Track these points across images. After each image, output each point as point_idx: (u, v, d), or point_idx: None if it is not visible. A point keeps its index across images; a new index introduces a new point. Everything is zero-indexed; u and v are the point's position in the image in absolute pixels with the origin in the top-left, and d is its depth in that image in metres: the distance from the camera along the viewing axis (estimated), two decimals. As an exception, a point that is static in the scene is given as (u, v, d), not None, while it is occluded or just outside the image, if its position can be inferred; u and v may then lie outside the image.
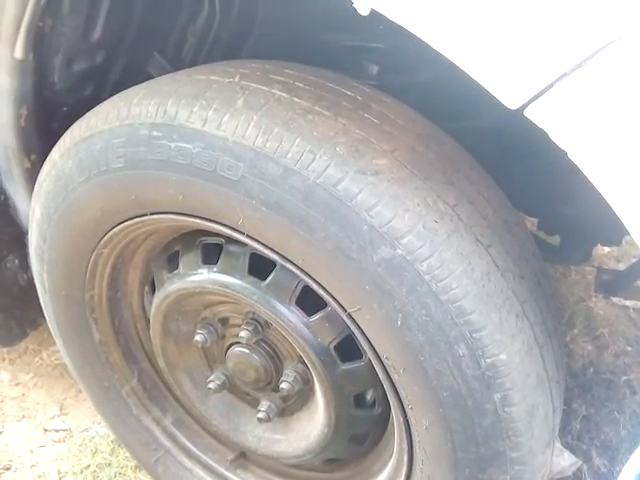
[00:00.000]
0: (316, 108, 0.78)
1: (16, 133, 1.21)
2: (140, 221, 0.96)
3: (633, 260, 1.91)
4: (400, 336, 0.73)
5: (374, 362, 0.82)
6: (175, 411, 1.30)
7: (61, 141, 0.99)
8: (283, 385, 1.02)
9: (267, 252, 0.83)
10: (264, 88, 0.81)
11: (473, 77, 0.55)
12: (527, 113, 0.53)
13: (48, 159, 1.03)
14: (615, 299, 2.01)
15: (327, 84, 0.84)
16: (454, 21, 0.56)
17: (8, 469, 1.47)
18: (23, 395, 1.76)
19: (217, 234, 0.97)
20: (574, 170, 1.16)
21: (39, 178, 1.06)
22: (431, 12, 0.56)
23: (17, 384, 1.82)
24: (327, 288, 0.79)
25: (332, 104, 0.80)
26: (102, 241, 1.02)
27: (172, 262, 1.07)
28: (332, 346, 0.92)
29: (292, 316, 0.93)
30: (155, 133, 0.81)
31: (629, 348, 1.88)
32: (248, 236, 0.82)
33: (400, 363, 0.75)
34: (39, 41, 1.12)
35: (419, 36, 0.57)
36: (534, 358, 0.76)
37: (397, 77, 1.27)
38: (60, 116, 1.28)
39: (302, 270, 0.80)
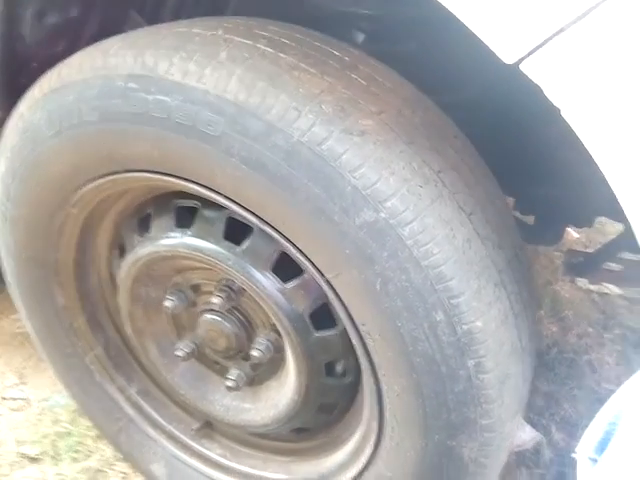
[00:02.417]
0: (302, 65, 0.76)
1: (-19, 87, 1.15)
2: (112, 179, 0.92)
3: (599, 246, 1.96)
4: (378, 302, 0.72)
5: (349, 329, 0.82)
6: (140, 380, 1.28)
7: (30, 92, 0.95)
8: (254, 353, 1.01)
9: (245, 214, 0.81)
10: (248, 42, 0.78)
11: (472, 29, 0.54)
12: (523, 67, 0.52)
13: (15, 111, 0.98)
14: (580, 283, 2.07)
15: (314, 42, 0.82)
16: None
17: (-38, 437, 1.42)
18: (-20, 363, 1.71)
19: (192, 197, 0.95)
20: (551, 148, 1.18)
21: (5, 132, 1.01)
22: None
23: (-25, 351, 1.76)
24: (306, 253, 0.78)
25: (318, 62, 0.78)
26: (71, 200, 0.98)
27: (144, 225, 1.04)
28: (306, 314, 0.91)
29: (267, 282, 0.91)
30: (132, 85, 0.78)
31: (591, 329, 1.94)
32: (226, 197, 0.80)
33: (376, 329, 0.75)
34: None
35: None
36: (509, 327, 0.76)
37: (382, 45, 1.25)
38: (29, 72, 1.22)
39: (281, 234, 0.79)
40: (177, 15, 1.41)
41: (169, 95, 0.75)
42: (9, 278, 1.19)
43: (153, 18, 1.38)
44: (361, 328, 0.78)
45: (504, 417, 0.78)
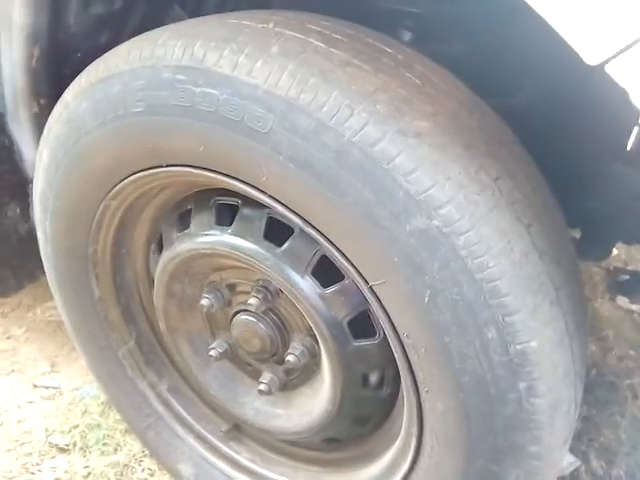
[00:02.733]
0: (355, 61, 0.72)
1: (26, 74, 1.15)
2: (154, 173, 0.90)
3: (641, 264, 1.88)
4: (426, 314, 0.68)
5: (391, 340, 0.78)
6: (171, 377, 1.26)
7: (76, 81, 0.94)
8: (289, 358, 0.98)
9: (289, 214, 0.78)
10: (300, 36, 0.75)
11: (557, 29, 0.50)
12: (608, 70, 0.48)
13: (60, 100, 0.97)
14: (620, 302, 1.99)
15: (366, 39, 0.78)
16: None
17: (-6, 423, 1.43)
18: (14, 349, 1.73)
19: (233, 194, 0.92)
20: (606, 159, 1.11)
21: (49, 121, 1.00)
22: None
23: (8, 337, 1.78)
24: (350, 257, 0.74)
25: (372, 59, 0.74)
26: (112, 192, 0.97)
27: (183, 221, 1.02)
28: (346, 321, 0.87)
29: (306, 286, 0.88)
30: (179, 76, 0.76)
31: (632, 352, 1.85)
32: (269, 196, 0.77)
33: (422, 343, 0.71)
34: (58, -23, 1.06)
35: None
36: (564, 349, 0.71)
37: (430, 45, 1.21)
38: (73, 62, 1.22)
39: (325, 236, 0.75)
40: (221, 9, 1.39)
41: (217, 88, 0.73)
42: (47, 268, 1.19)
43: (195, 12, 1.37)
44: (405, 341, 0.73)
45: (553, 445, 0.73)
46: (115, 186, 0.96)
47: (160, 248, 1.08)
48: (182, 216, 1.03)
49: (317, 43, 0.74)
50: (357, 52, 0.74)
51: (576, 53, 0.53)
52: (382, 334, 0.84)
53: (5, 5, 1.08)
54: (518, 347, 0.66)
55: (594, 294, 2.04)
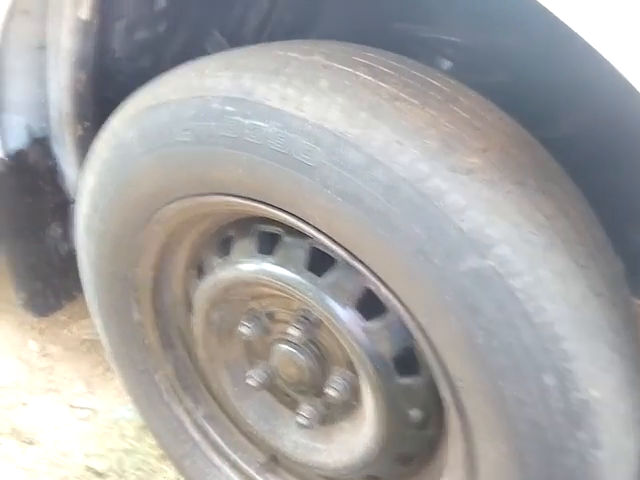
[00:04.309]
0: (402, 95, 0.73)
1: (72, 98, 1.19)
2: (199, 201, 0.92)
3: None
4: (479, 356, 0.67)
5: (440, 381, 0.77)
6: (208, 404, 1.27)
7: (123, 108, 0.97)
8: (330, 392, 0.97)
9: (334, 247, 0.78)
10: (348, 69, 0.76)
11: (619, 70, 0.49)
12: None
13: (107, 126, 1.00)
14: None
15: (412, 71, 0.79)
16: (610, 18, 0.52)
17: (32, 443, 1.47)
18: (50, 367, 1.76)
19: (275, 223, 0.93)
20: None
21: (96, 145, 1.04)
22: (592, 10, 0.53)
23: (45, 355, 1.82)
24: (399, 293, 0.74)
25: (419, 92, 0.75)
26: (155, 217, 0.99)
27: (224, 248, 1.04)
28: (390, 357, 0.87)
29: (349, 319, 0.88)
30: (228, 108, 0.77)
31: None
32: (315, 228, 0.77)
33: (474, 386, 0.70)
34: (105, 3, 1.10)
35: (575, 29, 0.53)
36: (625, 396, 0.69)
37: (470, 75, 1.21)
38: (115, 85, 1.27)
39: (371, 271, 0.75)
40: (259, 35, 1.42)
41: (266, 121, 0.74)
42: (88, 289, 1.21)
43: (234, 36, 1.40)
44: (456, 383, 0.72)
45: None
46: (159, 211, 0.98)
47: (200, 274, 1.10)
48: (223, 243, 1.04)
49: (365, 76, 0.75)
50: (404, 85, 0.74)
51: (627, 82, 0.53)
52: (429, 372, 0.83)
53: (54, 31, 1.13)
54: (578, 395, 0.64)
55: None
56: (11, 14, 1.04)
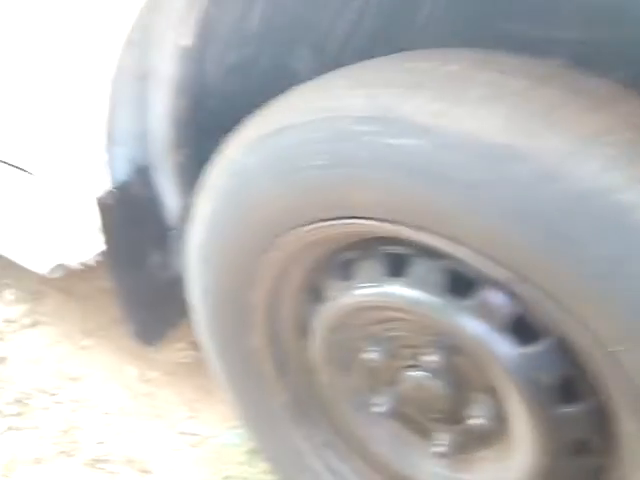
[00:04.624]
0: (569, 101, 0.65)
1: (173, 125, 1.17)
2: (326, 225, 0.87)
3: None
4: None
5: (623, 411, 0.68)
6: (326, 431, 1.21)
7: (241, 134, 0.93)
8: (473, 421, 0.90)
9: (498, 269, 0.70)
10: (495, 77, 0.69)
11: None
12: None
13: (224, 153, 0.97)
14: None
15: (566, 75, 0.71)
16: None
17: (147, 472, 1.45)
18: (153, 393, 1.76)
19: (403, 243, 0.87)
20: None
21: (211, 173, 1.01)
22: None
23: (145, 380, 1.82)
24: (585, 318, 0.65)
25: (578, 97, 0.67)
26: (276, 243, 0.95)
27: (345, 271, 0.98)
28: (550, 383, 0.78)
29: (500, 344, 0.80)
30: (364, 127, 0.72)
31: None
32: (474, 250, 0.70)
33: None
34: (204, 28, 1.07)
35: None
36: None
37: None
38: (206, 109, 1.24)
39: (545, 293, 0.67)
40: (343, 48, 1.36)
41: (412, 138, 0.68)
42: (201, 317, 1.18)
43: (318, 52, 1.35)
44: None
45: None
46: (280, 237, 0.94)
47: (317, 298, 1.05)
48: (342, 266, 0.99)
49: (515, 84, 0.67)
50: (568, 90, 0.66)
51: None
52: (598, 399, 0.74)
53: (155, 60, 1.11)
54: None
55: None
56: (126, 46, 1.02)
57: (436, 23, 1.27)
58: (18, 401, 1.70)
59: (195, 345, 1.91)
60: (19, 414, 1.64)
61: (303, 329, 1.14)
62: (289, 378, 1.21)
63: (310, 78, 1.39)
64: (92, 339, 2.01)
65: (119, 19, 1.03)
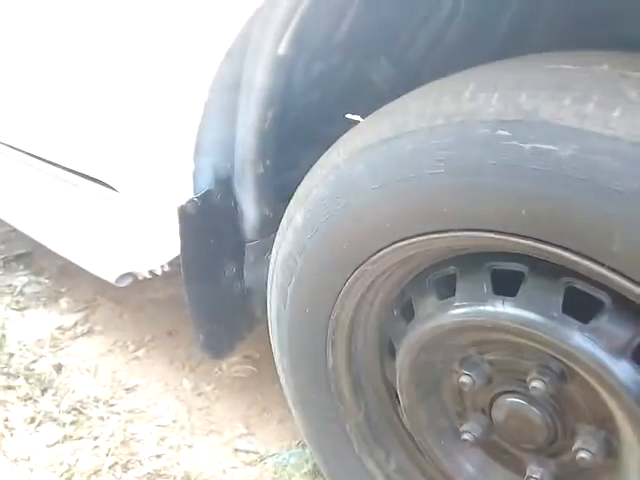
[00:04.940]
0: None
1: (258, 136, 1.14)
2: (432, 238, 0.81)
3: None
4: None
5: None
6: (399, 456, 1.14)
7: (344, 142, 0.88)
8: (582, 455, 0.81)
9: (634, 291, 0.64)
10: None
11: None
12: None
13: (323, 162, 0.93)
14: None
15: None
16: None
17: (204, 489, 1.39)
18: (208, 407, 1.70)
19: (512, 258, 0.81)
20: None
21: (307, 182, 0.96)
22: None
23: (199, 394, 1.77)
24: None
25: None
26: (373, 257, 0.89)
27: (442, 287, 0.92)
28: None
29: (623, 372, 0.73)
30: (501, 132, 0.66)
31: None
32: (613, 269, 0.63)
33: None
34: (300, 38, 1.05)
35: None
36: None
37: None
38: (287, 121, 1.21)
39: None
40: (426, 57, 1.33)
41: (558, 143, 0.62)
42: (278, 331, 1.13)
43: (399, 61, 1.32)
44: None
45: None
46: (380, 250, 0.88)
47: (407, 316, 0.99)
48: (440, 282, 0.93)
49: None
50: None
51: None
52: None
53: (249, 69, 1.09)
54: None
55: None
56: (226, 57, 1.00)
57: (518, 32, 1.23)
58: (74, 409, 1.66)
59: (250, 360, 1.87)
60: (75, 423, 1.60)
61: (386, 348, 1.08)
62: (364, 399, 1.13)
63: (387, 91, 1.37)
64: (145, 350, 1.97)
65: (221, 31, 1.01)
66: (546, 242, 0.68)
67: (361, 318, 1.06)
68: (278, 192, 1.23)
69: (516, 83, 0.68)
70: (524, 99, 0.65)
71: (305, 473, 1.40)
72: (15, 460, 1.42)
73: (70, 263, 2.44)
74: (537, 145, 0.64)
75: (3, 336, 1.82)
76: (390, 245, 0.86)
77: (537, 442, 0.89)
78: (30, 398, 1.67)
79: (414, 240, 0.83)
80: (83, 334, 2.08)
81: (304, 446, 1.49)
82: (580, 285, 0.75)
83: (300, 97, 1.29)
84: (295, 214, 0.97)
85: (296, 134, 1.30)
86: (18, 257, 2.52)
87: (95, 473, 1.42)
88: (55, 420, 1.59)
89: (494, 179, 0.68)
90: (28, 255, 2.54)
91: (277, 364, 1.19)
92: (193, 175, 1.17)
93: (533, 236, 0.68)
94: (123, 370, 1.87)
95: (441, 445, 1.02)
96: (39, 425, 1.56)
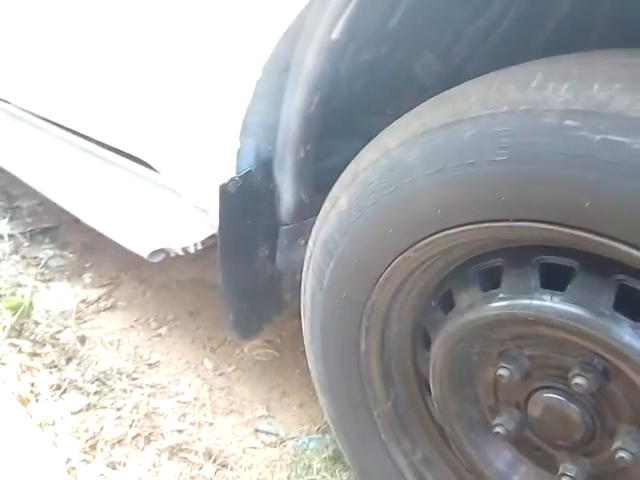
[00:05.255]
0: None
1: (302, 121, 1.12)
2: (483, 227, 0.80)
3: None
4: None
5: None
6: (425, 447, 1.13)
7: (400, 127, 0.87)
8: (622, 454, 0.80)
9: None
10: None
11: None
12: None
13: (374, 147, 0.91)
14: None
15: None
16: None
17: (224, 466, 1.38)
18: (229, 387, 1.70)
19: (564, 252, 0.79)
20: None
21: (354, 166, 0.95)
22: None
23: (221, 374, 1.77)
24: None
25: None
26: (418, 244, 0.88)
27: (486, 279, 0.91)
28: None
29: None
30: (569, 122, 0.65)
31: None
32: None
33: None
34: (351, 24, 1.03)
35: None
36: None
37: None
38: (330, 107, 1.20)
39: None
40: (472, 53, 1.31)
41: (629, 136, 0.61)
42: (310, 314, 1.12)
43: (443, 55, 1.30)
44: None
45: None
46: (425, 238, 0.87)
47: (446, 306, 0.97)
48: (484, 274, 0.91)
49: None
50: None
51: None
52: None
53: (300, 53, 1.07)
54: None
55: None
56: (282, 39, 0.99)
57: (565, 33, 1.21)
58: (98, 380, 1.66)
59: (271, 344, 1.87)
60: (98, 393, 1.61)
61: (420, 337, 1.07)
62: (394, 387, 1.12)
63: (429, 87, 1.35)
64: (167, 328, 1.98)
65: (281, 11, 1.00)
66: (606, 236, 0.66)
67: (397, 305, 1.04)
68: (315, 179, 1.22)
69: (587, 75, 0.66)
70: (596, 90, 0.63)
71: (325, 458, 1.40)
72: (40, 425, 1.43)
73: (94, 240, 2.46)
74: (607, 137, 0.62)
75: (31, 304, 1.82)
76: (438, 232, 0.85)
77: (573, 440, 0.88)
78: (55, 366, 1.68)
79: (464, 228, 0.81)
80: (106, 309, 2.09)
81: (324, 432, 1.49)
82: (633, 283, 0.74)
83: (344, 86, 1.27)
84: (339, 197, 0.96)
85: (334, 124, 1.29)
86: (44, 230, 2.53)
87: (119, 442, 1.42)
88: (80, 389, 1.59)
89: (558, 169, 0.66)
90: (54, 229, 2.55)
91: (307, 347, 1.18)
92: (237, 154, 1.16)
93: (593, 229, 0.67)
94: (145, 346, 1.87)
95: (471, 438, 1.01)
96: (64, 392, 1.57)
